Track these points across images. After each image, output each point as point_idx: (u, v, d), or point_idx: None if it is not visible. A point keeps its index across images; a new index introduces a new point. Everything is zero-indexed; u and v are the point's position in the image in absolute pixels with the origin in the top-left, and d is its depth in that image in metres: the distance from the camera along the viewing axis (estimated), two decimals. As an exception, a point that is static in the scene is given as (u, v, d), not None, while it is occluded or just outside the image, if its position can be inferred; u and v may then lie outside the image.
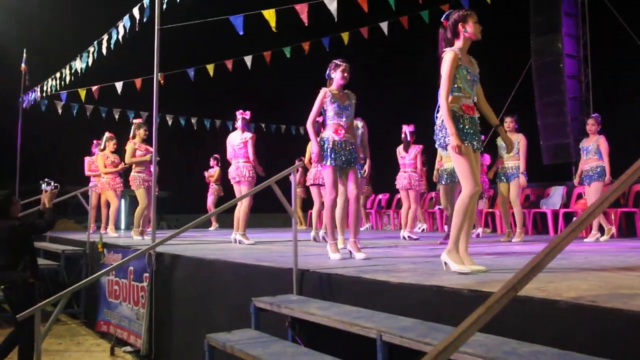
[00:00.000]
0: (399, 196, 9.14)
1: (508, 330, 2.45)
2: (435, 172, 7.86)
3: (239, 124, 7.57)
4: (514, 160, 7.37)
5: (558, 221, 9.12)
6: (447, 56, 3.82)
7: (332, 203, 5.03)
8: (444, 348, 1.68)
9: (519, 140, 7.31)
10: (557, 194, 9.80)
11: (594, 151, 7.16)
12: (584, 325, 2.29)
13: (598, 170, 7.06)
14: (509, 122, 7.43)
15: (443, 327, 2.70)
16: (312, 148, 5.17)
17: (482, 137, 8.52)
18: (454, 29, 3.92)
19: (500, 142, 7.42)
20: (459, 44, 3.90)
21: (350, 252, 4.98)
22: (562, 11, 11.74)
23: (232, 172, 7.53)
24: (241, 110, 7.62)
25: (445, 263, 3.77)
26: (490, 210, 10.26)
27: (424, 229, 10.98)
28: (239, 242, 7.31)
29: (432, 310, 2.96)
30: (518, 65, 12.71)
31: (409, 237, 7.81)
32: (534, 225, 9.66)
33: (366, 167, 6.61)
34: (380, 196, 13.27)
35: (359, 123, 6.54)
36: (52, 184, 5.92)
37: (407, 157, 8.23)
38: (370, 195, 12.49)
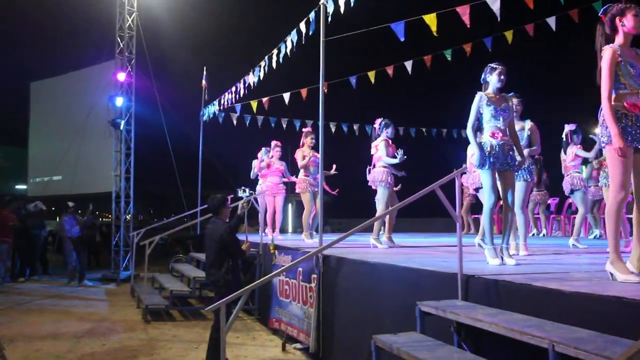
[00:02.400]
0: (569, 201, 8.61)
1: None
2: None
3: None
4: None
5: None
6: (605, 54, 3.65)
7: (490, 208, 4.96)
8: (625, 361, 1.60)
9: None
10: None
11: None
12: None
13: None
14: None
15: (623, 341, 2.53)
16: (471, 152, 5.14)
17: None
18: (611, 23, 3.75)
19: None
20: (619, 39, 3.71)
21: (502, 257, 4.89)
22: None
23: (369, 176, 7.74)
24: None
25: (611, 274, 3.58)
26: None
27: (596, 236, 10.14)
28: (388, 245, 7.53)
29: (609, 322, 2.78)
30: None
31: (573, 245, 7.30)
32: None
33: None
34: (549, 201, 12.52)
35: (525, 125, 6.28)
36: (248, 191, 6.46)
37: (568, 159, 7.83)
38: (546, 200, 11.78)
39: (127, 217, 14.86)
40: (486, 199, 4.99)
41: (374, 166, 7.73)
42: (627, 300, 2.76)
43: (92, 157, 15.62)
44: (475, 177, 7.25)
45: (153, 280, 10.74)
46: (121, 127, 14.46)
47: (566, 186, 7.89)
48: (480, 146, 5.00)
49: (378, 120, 7.86)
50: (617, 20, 3.71)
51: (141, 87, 15.17)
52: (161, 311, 8.93)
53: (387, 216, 7.55)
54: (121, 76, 14.61)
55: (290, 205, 15.90)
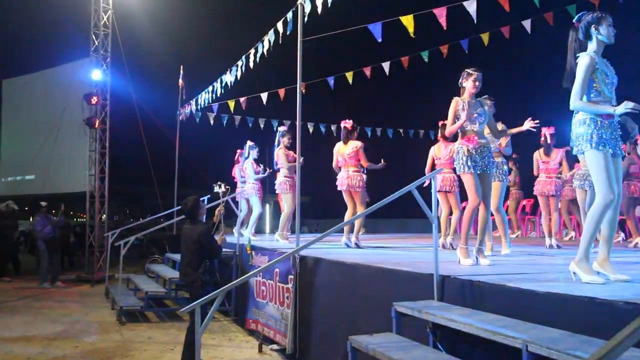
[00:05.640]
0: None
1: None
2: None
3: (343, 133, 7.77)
4: None
5: None
6: (583, 61, 3.67)
7: (474, 209, 5.00)
8: (596, 361, 1.62)
9: None
10: None
11: None
12: None
13: None
14: None
15: (595, 340, 2.57)
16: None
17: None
18: (586, 31, 3.76)
19: None
20: (592, 47, 3.72)
21: (477, 258, 4.96)
22: None
23: (340, 179, 7.64)
24: (345, 120, 7.77)
25: (574, 273, 3.62)
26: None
27: (572, 237, 10.30)
28: (348, 246, 7.48)
29: (582, 322, 2.82)
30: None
31: (553, 245, 7.39)
32: None
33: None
34: (524, 202, 12.65)
35: (498, 126, 6.39)
36: (224, 186, 6.46)
37: (552, 162, 7.89)
38: (520, 200, 11.90)
39: (102, 217, 14.65)
40: (471, 200, 5.04)
41: (348, 170, 7.64)
42: (599, 300, 2.80)
43: (66, 157, 15.36)
44: (445, 179, 7.30)
45: (128, 281, 10.60)
46: (96, 126, 14.25)
47: (547, 188, 7.92)
48: (457, 150, 5.10)
49: (350, 122, 7.77)
50: (592, 28, 3.73)
51: (117, 86, 14.97)
52: (136, 312, 8.82)
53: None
54: (96, 74, 14.39)
55: (267, 205, 15.86)
